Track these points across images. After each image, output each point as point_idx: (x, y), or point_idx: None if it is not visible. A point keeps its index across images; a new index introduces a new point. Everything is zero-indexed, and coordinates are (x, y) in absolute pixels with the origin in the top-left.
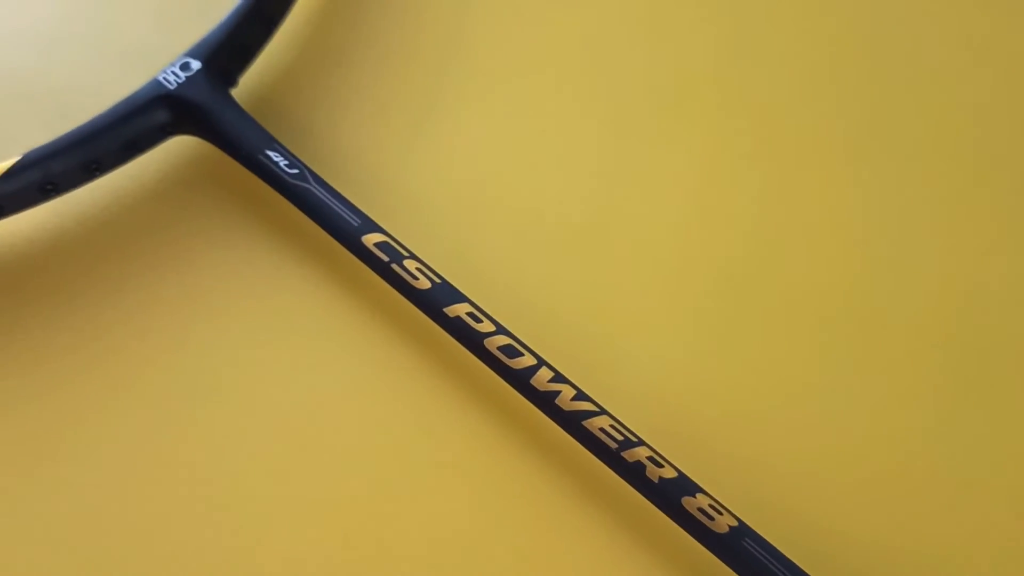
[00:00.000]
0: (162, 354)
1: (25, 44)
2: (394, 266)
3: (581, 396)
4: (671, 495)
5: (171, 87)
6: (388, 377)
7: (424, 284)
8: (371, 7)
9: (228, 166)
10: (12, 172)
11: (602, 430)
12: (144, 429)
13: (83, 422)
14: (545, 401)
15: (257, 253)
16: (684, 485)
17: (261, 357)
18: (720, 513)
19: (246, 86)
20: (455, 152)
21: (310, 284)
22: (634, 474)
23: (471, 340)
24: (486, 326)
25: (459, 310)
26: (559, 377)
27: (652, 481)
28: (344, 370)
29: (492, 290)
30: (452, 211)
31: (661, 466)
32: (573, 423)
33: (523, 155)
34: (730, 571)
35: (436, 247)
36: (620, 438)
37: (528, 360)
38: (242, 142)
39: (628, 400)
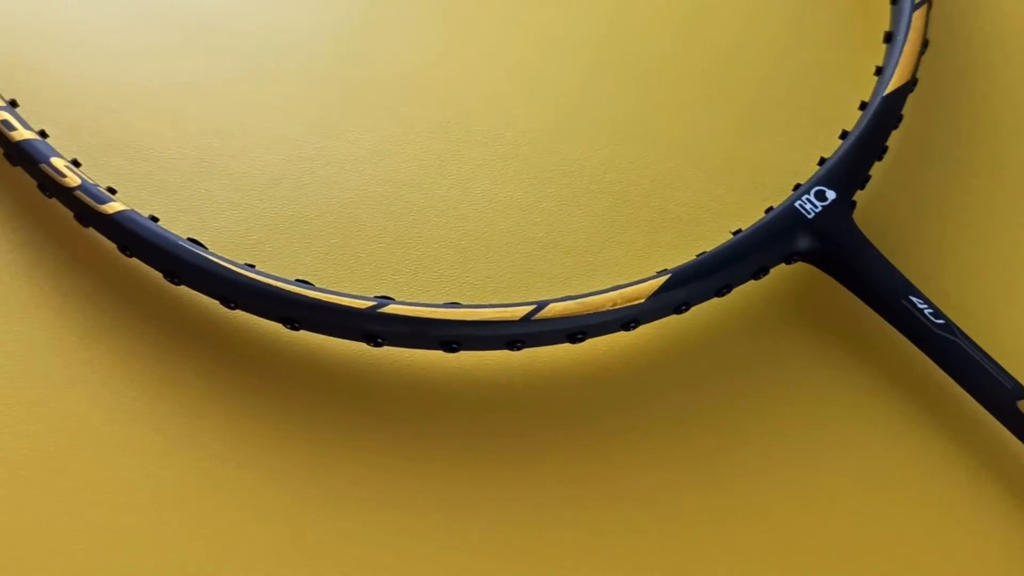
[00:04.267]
0: (735, 496)
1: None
2: None
3: None
4: None
5: (809, 216)
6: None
7: None
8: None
9: (831, 299)
10: (662, 290)
11: None
12: None
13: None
14: None
15: (859, 402)
16: None
17: (854, 531)
18: None
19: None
20: None
21: (921, 445)
22: None
23: None
24: None
25: None
26: None
27: None
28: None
29: None
30: None
31: None
32: None
33: None
34: None
35: None
36: None
37: None
38: (881, 285)
39: None
